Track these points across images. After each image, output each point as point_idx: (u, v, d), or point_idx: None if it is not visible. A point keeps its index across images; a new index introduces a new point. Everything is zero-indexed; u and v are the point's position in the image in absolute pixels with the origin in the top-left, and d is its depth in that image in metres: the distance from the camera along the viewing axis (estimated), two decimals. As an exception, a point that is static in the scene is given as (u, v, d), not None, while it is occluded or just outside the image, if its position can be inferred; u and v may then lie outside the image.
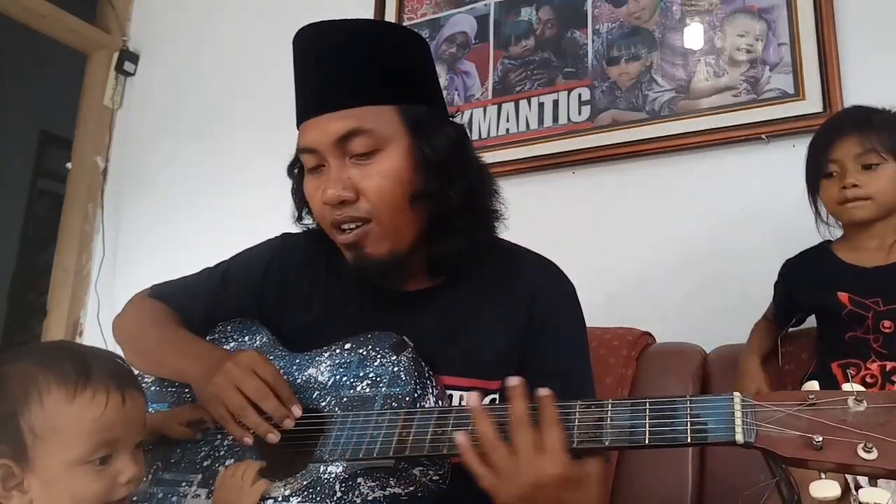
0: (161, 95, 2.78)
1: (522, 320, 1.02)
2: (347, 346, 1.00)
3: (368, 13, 2.25)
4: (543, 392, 0.77)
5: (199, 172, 2.59)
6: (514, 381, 0.79)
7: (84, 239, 2.73)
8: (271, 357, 1.05)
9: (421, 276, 1.04)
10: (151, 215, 2.67)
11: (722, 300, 1.69)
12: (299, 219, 1.07)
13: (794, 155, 1.68)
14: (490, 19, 2.11)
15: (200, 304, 1.13)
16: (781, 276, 1.42)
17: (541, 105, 1.99)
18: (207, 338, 1.12)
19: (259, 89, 2.51)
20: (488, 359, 1.00)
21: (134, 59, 2.84)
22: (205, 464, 1.00)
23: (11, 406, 0.76)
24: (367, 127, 0.93)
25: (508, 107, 2.03)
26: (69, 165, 2.82)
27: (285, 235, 1.16)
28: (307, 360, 1.03)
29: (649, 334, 1.60)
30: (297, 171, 1.05)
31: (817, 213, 1.39)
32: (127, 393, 0.79)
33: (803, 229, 1.63)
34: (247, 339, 1.11)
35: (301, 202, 1.05)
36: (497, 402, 0.99)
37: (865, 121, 1.27)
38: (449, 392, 0.98)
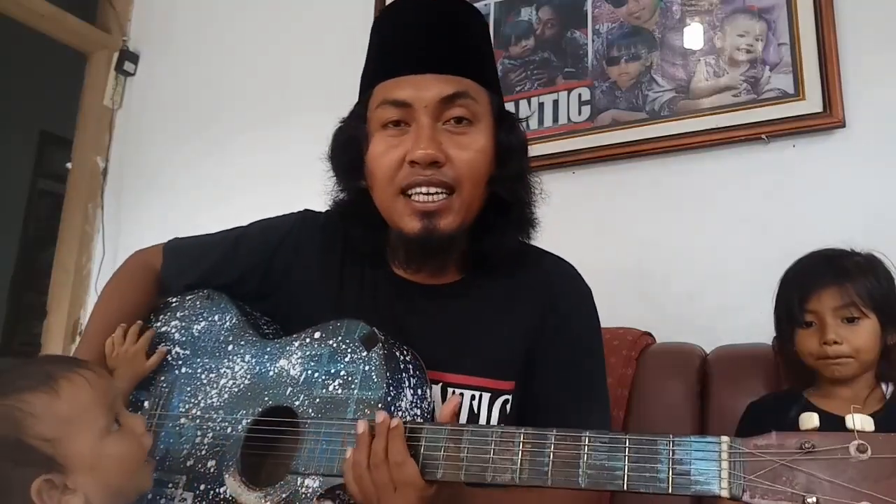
0: (161, 95, 2.78)
1: (537, 323, 1.01)
2: (317, 334, 0.98)
3: (369, 14, 2.25)
4: (394, 423, 0.78)
5: (200, 172, 2.59)
6: (380, 416, 0.80)
7: (84, 239, 2.73)
8: (241, 342, 1.04)
9: (450, 269, 1.04)
10: (151, 215, 2.67)
11: (722, 300, 1.69)
12: (345, 181, 1.03)
13: (794, 155, 1.69)
14: (490, 19, 2.11)
15: (198, 271, 1.14)
16: (746, 419, 1.26)
17: (541, 105, 1.98)
18: (178, 314, 1.12)
19: (259, 89, 2.51)
20: (501, 360, 0.99)
21: (134, 59, 2.84)
22: (188, 464, 0.99)
23: (7, 439, 0.78)
24: (472, 95, 0.95)
25: (508, 107, 2.02)
26: (69, 165, 2.82)
27: (307, 211, 1.15)
28: (278, 348, 1.01)
29: (649, 334, 1.60)
30: (347, 133, 1.03)
31: (784, 360, 1.27)
32: (84, 368, 0.84)
33: (803, 229, 1.64)
34: (216, 317, 1.09)
35: (348, 166, 1.01)
36: (510, 402, 0.98)
37: (843, 270, 1.19)
38: (460, 391, 0.97)
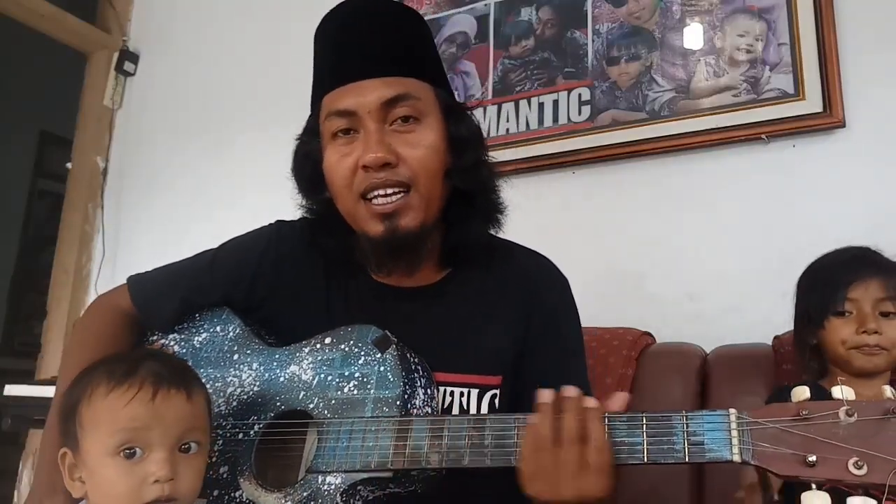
0: (161, 95, 2.78)
1: (522, 317, 1.03)
2: (328, 340, 0.99)
3: (368, 13, 2.25)
4: (591, 402, 0.78)
5: (199, 172, 2.59)
6: (572, 390, 0.79)
7: (84, 239, 2.73)
8: (247, 350, 1.03)
9: (428, 268, 1.05)
10: (151, 215, 2.67)
11: (722, 300, 1.69)
12: (310, 195, 1.04)
13: (794, 155, 1.69)
14: (490, 19, 2.11)
15: (176, 295, 1.09)
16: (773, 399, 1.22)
17: (541, 105, 1.99)
18: (176, 327, 1.09)
19: (259, 89, 2.52)
20: (488, 355, 1.01)
21: (134, 59, 2.84)
22: None
23: (75, 400, 0.82)
24: (413, 94, 0.97)
25: (508, 107, 2.03)
26: (69, 165, 2.83)
27: (280, 223, 1.14)
28: (287, 355, 1.01)
29: (649, 334, 1.60)
30: (304, 149, 1.04)
31: (802, 351, 1.26)
32: (161, 390, 0.80)
33: (803, 229, 1.64)
34: (218, 328, 1.07)
35: (310, 180, 1.03)
36: (497, 397, 1.00)
37: (885, 264, 1.20)
38: (450, 389, 0.99)
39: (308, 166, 1.02)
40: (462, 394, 0.99)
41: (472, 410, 0.99)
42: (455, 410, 0.98)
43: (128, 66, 2.82)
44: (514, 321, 1.03)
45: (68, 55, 2.88)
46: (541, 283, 1.07)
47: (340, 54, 0.99)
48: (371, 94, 0.95)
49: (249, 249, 1.10)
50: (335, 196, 1.00)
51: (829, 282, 1.22)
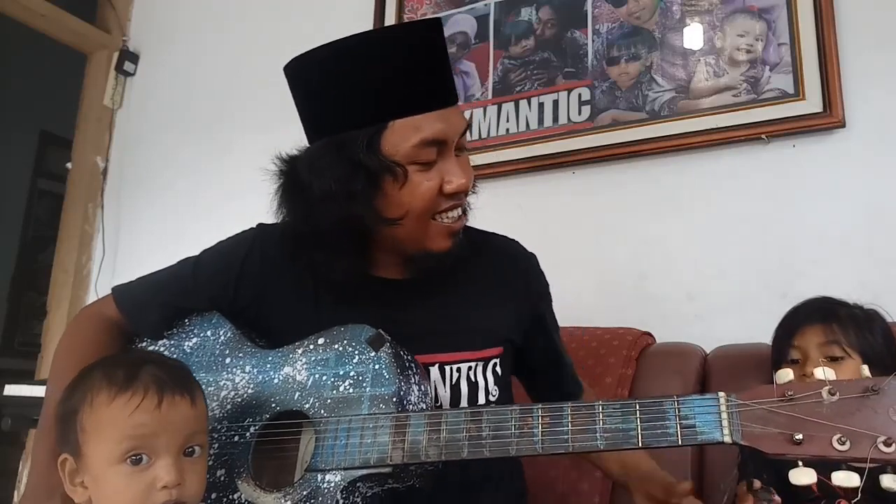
0: (161, 95, 2.78)
1: (512, 292, 1.12)
2: (321, 340, 0.99)
3: (369, 13, 2.25)
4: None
5: (199, 172, 2.59)
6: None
7: (84, 239, 2.73)
8: (239, 354, 1.04)
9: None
10: (151, 215, 2.68)
11: (722, 300, 1.69)
12: (389, 223, 0.98)
13: (794, 155, 1.69)
14: (490, 19, 2.11)
15: (162, 300, 1.09)
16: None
17: (541, 105, 1.99)
18: (166, 333, 1.09)
19: (259, 90, 2.51)
20: (488, 331, 1.08)
21: (134, 59, 2.84)
22: None
23: (74, 406, 0.81)
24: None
25: (508, 107, 2.03)
26: (69, 165, 2.83)
27: (261, 226, 1.14)
28: (280, 356, 1.01)
29: (649, 334, 1.60)
30: (364, 168, 0.96)
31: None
32: (165, 397, 0.80)
33: (803, 229, 1.64)
34: (209, 333, 1.07)
35: (368, 201, 0.97)
36: (498, 367, 1.07)
37: (831, 312, 1.21)
38: (457, 366, 1.05)
39: (370, 187, 0.96)
40: (470, 368, 1.05)
41: (480, 382, 1.06)
42: (463, 385, 1.04)
43: (128, 66, 2.82)
44: (505, 297, 1.11)
45: (68, 55, 2.89)
46: (519, 260, 1.17)
47: (422, 78, 0.96)
48: (456, 122, 0.98)
49: (231, 254, 1.11)
50: (407, 217, 0.97)
51: (779, 331, 1.28)
